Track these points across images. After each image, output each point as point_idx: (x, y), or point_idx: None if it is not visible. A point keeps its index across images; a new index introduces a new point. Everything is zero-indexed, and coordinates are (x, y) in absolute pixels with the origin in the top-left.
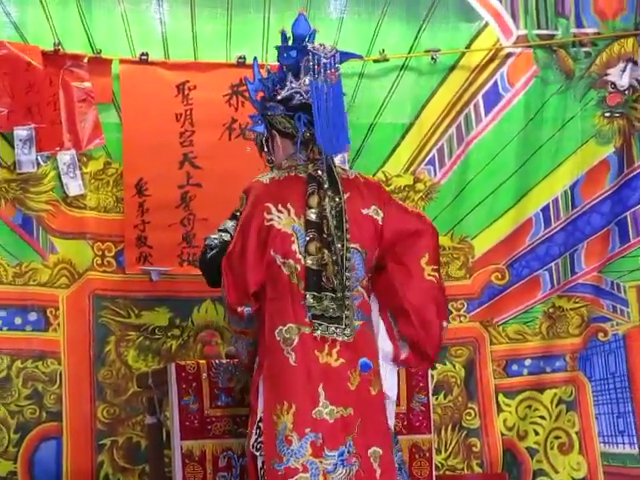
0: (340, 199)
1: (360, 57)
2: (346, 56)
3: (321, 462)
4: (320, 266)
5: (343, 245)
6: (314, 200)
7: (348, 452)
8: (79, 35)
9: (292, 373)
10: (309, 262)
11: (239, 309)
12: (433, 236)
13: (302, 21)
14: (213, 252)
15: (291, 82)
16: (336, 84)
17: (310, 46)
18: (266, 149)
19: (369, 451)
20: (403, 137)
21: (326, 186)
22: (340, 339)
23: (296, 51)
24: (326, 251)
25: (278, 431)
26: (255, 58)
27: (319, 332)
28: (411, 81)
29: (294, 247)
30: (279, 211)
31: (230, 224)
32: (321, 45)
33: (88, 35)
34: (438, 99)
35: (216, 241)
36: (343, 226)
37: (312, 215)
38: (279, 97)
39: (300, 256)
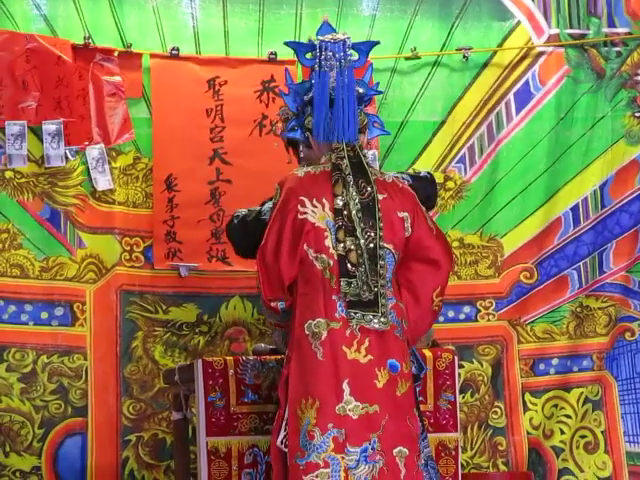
0: (372, 189)
1: (376, 43)
2: (365, 47)
3: (343, 458)
4: (345, 252)
5: (376, 234)
6: (339, 188)
7: (372, 449)
8: (110, 29)
9: (318, 368)
10: (340, 249)
11: (273, 304)
12: (450, 268)
13: (326, 28)
14: (240, 219)
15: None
16: (345, 70)
17: (318, 37)
18: (302, 155)
19: (394, 450)
20: (434, 135)
21: (347, 172)
22: (376, 327)
23: (313, 50)
24: (349, 237)
25: (302, 426)
26: (286, 68)
27: (354, 322)
28: (443, 79)
29: (327, 242)
30: (313, 205)
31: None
32: (332, 35)
33: (119, 29)
34: (470, 97)
35: (243, 211)
36: (376, 215)
37: (339, 203)
38: (307, 98)
39: (333, 251)
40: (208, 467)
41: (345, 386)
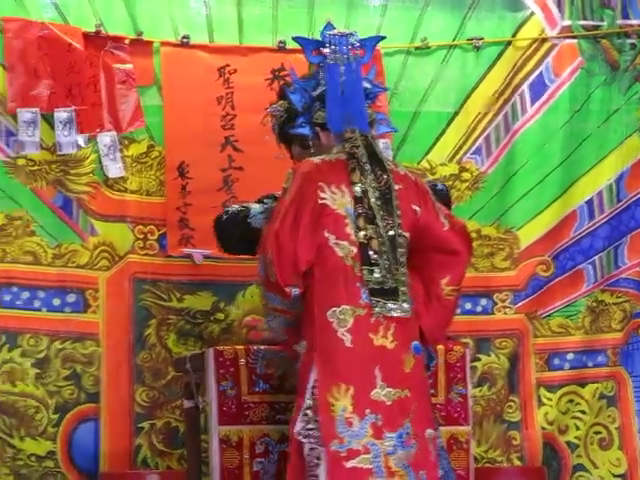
0: (388, 177)
1: (383, 37)
2: (370, 42)
3: (382, 444)
4: (367, 239)
5: (394, 222)
6: (356, 176)
7: (407, 434)
8: (121, 17)
9: (348, 355)
10: (361, 237)
11: (287, 289)
12: (468, 258)
13: (329, 28)
14: (228, 216)
15: (322, 78)
16: (353, 63)
17: (328, 33)
18: (312, 149)
19: (425, 433)
20: (448, 125)
21: (364, 160)
22: (398, 315)
23: (318, 46)
24: (369, 225)
25: (337, 413)
26: (292, 69)
27: (377, 310)
28: (456, 69)
29: (348, 229)
30: (332, 192)
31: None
32: (337, 30)
33: (130, 17)
34: (484, 88)
35: (234, 208)
36: (393, 203)
37: (357, 190)
38: (314, 94)
39: (354, 238)
40: (220, 456)
41: (377, 372)
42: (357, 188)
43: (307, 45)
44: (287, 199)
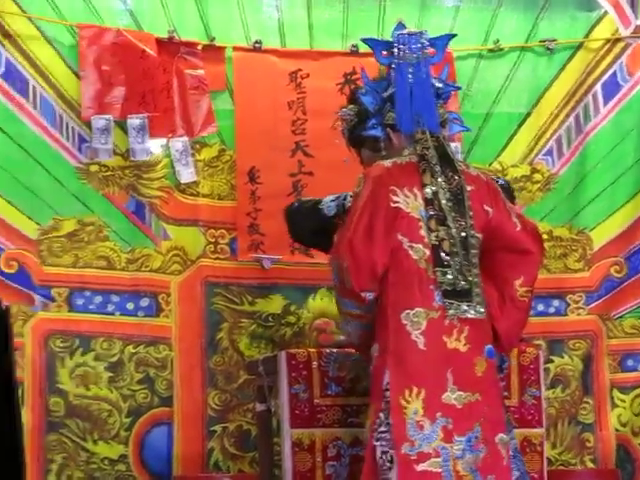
0: (459, 178)
1: (453, 35)
2: (441, 41)
3: (451, 447)
4: (439, 241)
5: (466, 223)
6: (427, 177)
7: (476, 438)
8: (193, 23)
9: (421, 357)
10: (433, 239)
11: (362, 295)
12: (540, 258)
13: (400, 28)
14: (300, 203)
15: (393, 79)
16: (423, 63)
17: (398, 33)
18: (384, 152)
19: (496, 438)
20: (520, 127)
21: (434, 161)
22: (471, 316)
23: (389, 47)
24: (441, 227)
25: (408, 416)
26: (363, 69)
27: (451, 312)
28: (528, 70)
29: (422, 232)
30: (405, 195)
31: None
32: (407, 30)
33: (203, 22)
34: (556, 88)
35: (305, 198)
36: (465, 204)
37: (429, 192)
38: (385, 95)
39: (427, 241)
40: (292, 459)
41: (449, 375)
42: (428, 190)
43: (377, 46)
44: (359, 204)
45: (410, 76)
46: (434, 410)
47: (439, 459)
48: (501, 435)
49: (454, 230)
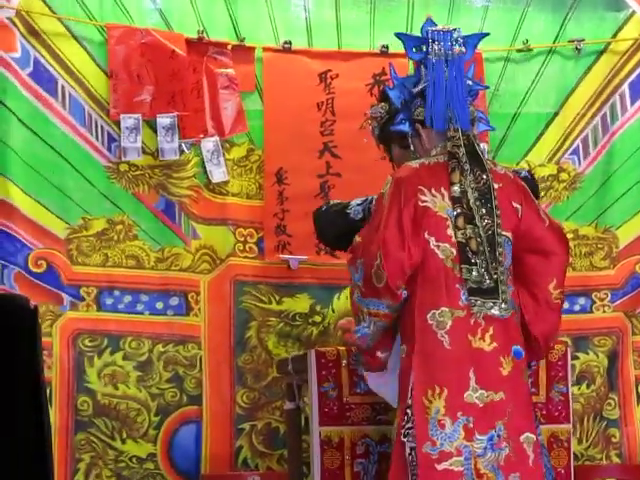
0: (487, 177)
1: (486, 34)
2: (473, 39)
3: (472, 445)
4: (465, 240)
5: (493, 222)
6: (456, 176)
7: (498, 436)
8: (223, 23)
9: (445, 356)
10: (459, 237)
11: (398, 292)
12: (566, 258)
13: (429, 24)
14: (328, 207)
15: (425, 75)
16: (456, 60)
17: (431, 30)
18: (412, 147)
19: (522, 437)
20: (547, 126)
21: (464, 160)
22: (497, 314)
23: (421, 43)
24: (468, 225)
25: (430, 415)
26: (391, 63)
27: (476, 309)
28: (556, 70)
29: (449, 231)
30: (433, 195)
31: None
32: (441, 26)
33: (232, 22)
34: (583, 88)
35: (334, 202)
36: (492, 202)
37: (456, 190)
38: (415, 90)
39: (454, 240)
40: (321, 456)
41: (471, 374)
42: (455, 188)
43: (409, 41)
44: (387, 204)
45: (444, 73)
46: (455, 409)
47: (461, 458)
48: (527, 434)
49: (481, 229)
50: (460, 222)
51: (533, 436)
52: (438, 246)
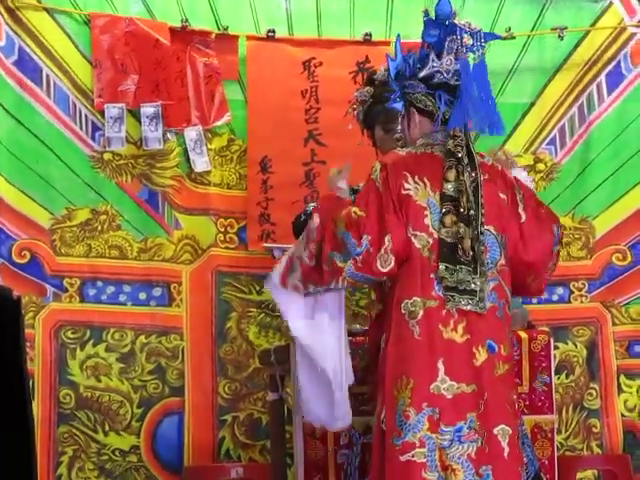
0: (476, 175)
1: (500, 38)
2: (489, 37)
3: (437, 437)
4: (456, 239)
5: (478, 219)
6: (452, 174)
7: (468, 428)
8: (206, 12)
9: (414, 347)
10: (443, 234)
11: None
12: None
13: (444, 2)
14: (307, 216)
15: (433, 60)
16: (480, 63)
17: (458, 23)
18: (400, 127)
19: (496, 429)
20: (524, 116)
21: (465, 162)
22: (473, 309)
23: (441, 29)
24: (462, 225)
25: (397, 406)
26: (398, 35)
27: (450, 305)
28: (533, 60)
29: (427, 221)
30: (416, 182)
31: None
32: (467, 23)
33: (214, 12)
34: (560, 79)
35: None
36: (479, 201)
37: (449, 188)
38: (420, 75)
39: (432, 230)
40: (304, 447)
41: (440, 365)
42: (450, 186)
43: (429, 24)
44: (372, 188)
45: (475, 76)
46: (421, 400)
47: (424, 449)
48: (502, 426)
49: (469, 227)
50: (448, 220)
51: (509, 428)
52: (415, 235)
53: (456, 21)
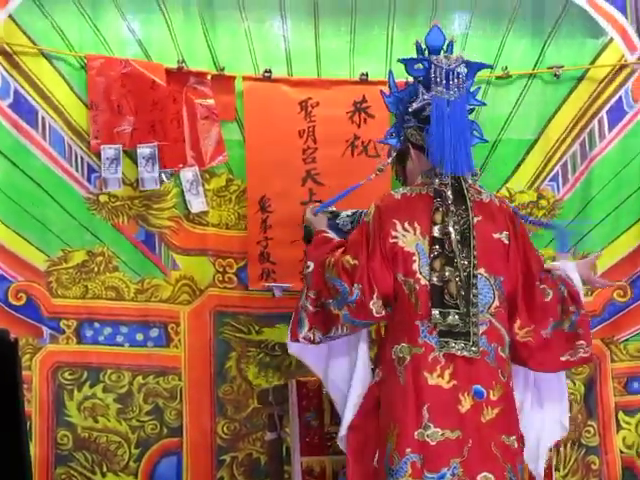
0: (468, 216)
1: (490, 67)
2: (475, 67)
3: None
4: (442, 282)
5: (470, 262)
6: (439, 216)
7: (452, 475)
8: (203, 52)
9: (400, 393)
10: (434, 279)
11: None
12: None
13: (436, 32)
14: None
15: (422, 94)
16: (459, 100)
17: (434, 58)
18: (408, 166)
19: (479, 476)
20: (527, 153)
21: (449, 201)
22: (467, 354)
23: (423, 63)
24: (448, 267)
25: (387, 449)
26: (390, 71)
27: (443, 350)
28: (536, 97)
29: (415, 266)
30: (405, 229)
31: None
32: (446, 57)
33: (211, 52)
34: (563, 114)
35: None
36: (470, 243)
37: (436, 231)
38: (411, 109)
39: (420, 276)
40: None
41: (425, 412)
42: (437, 229)
43: (410, 62)
44: (364, 233)
45: (447, 114)
46: (404, 446)
47: None
48: (485, 473)
49: (461, 270)
50: (437, 264)
51: (491, 476)
52: (405, 281)
53: (435, 58)
